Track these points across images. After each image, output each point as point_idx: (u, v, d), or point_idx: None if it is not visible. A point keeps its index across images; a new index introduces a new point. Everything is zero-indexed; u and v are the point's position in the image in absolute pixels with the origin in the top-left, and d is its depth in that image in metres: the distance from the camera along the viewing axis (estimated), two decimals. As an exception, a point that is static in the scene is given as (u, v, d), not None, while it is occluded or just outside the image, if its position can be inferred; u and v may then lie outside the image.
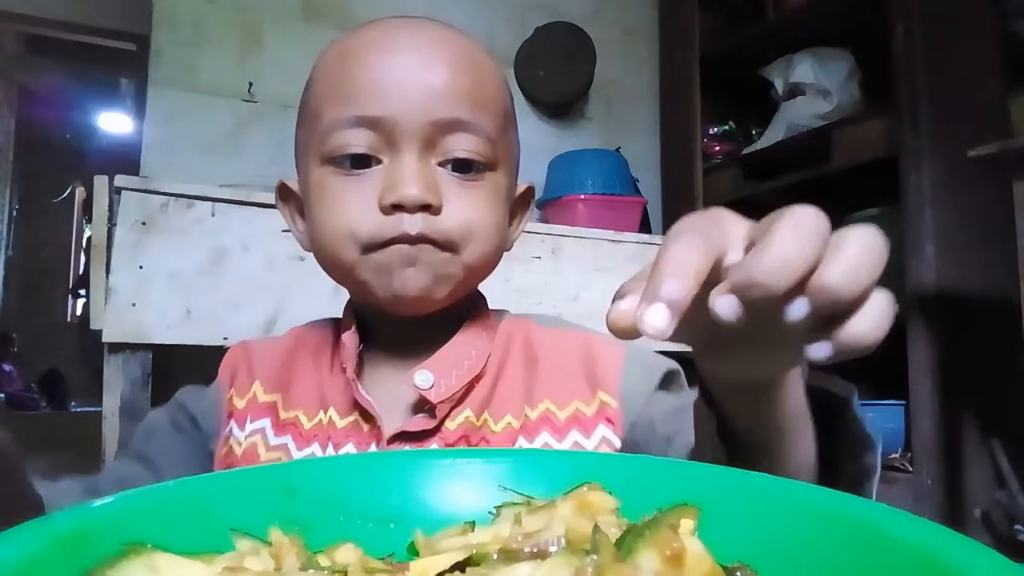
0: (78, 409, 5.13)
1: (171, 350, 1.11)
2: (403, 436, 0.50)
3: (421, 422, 0.50)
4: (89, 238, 1.15)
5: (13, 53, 5.43)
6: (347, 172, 0.49)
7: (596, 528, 0.20)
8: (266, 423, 0.55)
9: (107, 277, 1.08)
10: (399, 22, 0.52)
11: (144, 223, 1.10)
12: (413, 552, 0.24)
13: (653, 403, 0.51)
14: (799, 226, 0.25)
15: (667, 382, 0.53)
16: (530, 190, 0.61)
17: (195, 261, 1.13)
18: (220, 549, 0.22)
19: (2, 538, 0.18)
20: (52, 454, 3.24)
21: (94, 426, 1.10)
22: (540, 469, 0.29)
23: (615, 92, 2.37)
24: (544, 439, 0.51)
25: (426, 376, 0.51)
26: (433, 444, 0.50)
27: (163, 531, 0.21)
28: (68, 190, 6.31)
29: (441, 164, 0.50)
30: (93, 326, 1.08)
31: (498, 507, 0.26)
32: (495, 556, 0.21)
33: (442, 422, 0.51)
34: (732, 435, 0.37)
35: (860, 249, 0.25)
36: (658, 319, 0.24)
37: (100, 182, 1.13)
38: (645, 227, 2.00)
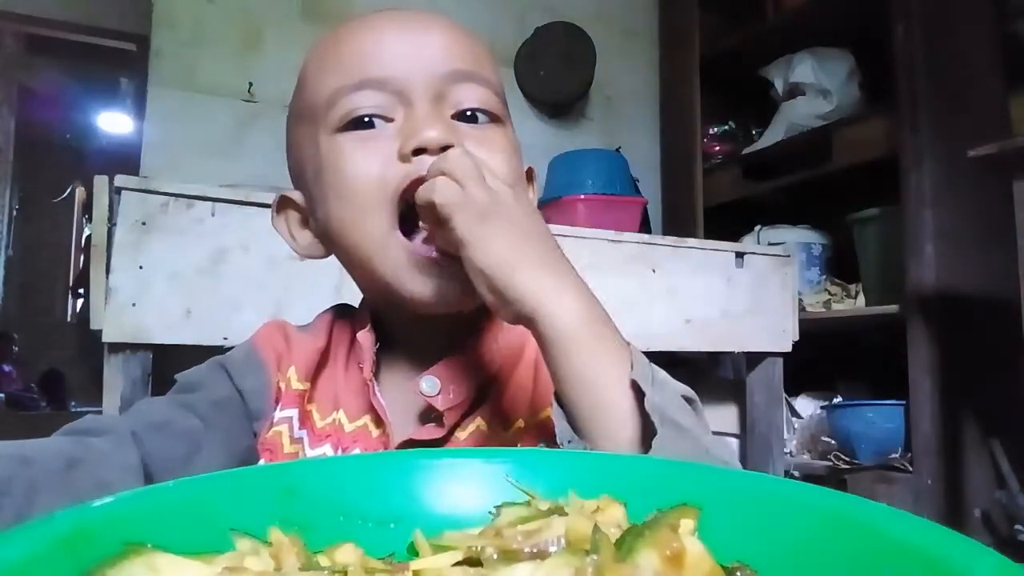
0: (78, 409, 5.13)
1: (171, 350, 1.11)
2: (411, 444, 0.49)
3: (430, 431, 0.49)
4: (89, 238, 1.15)
5: (13, 53, 5.43)
6: (362, 132, 0.48)
7: (596, 528, 0.20)
8: (294, 413, 0.53)
9: (107, 277, 1.08)
10: (387, 9, 0.52)
11: (144, 223, 1.10)
12: (413, 552, 0.24)
13: None
14: None
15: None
16: (530, 171, 0.61)
17: (195, 261, 1.13)
18: (220, 549, 0.22)
19: (2, 538, 0.18)
20: (52, 454, 3.24)
21: (94, 426, 1.10)
22: (540, 469, 0.29)
23: (615, 92, 2.37)
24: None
25: (432, 382, 0.49)
26: None
27: (163, 531, 0.21)
28: (68, 190, 6.31)
29: (453, 117, 0.49)
30: (93, 326, 1.08)
31: (498, 507, 0.26)
32: (495, 556, 0.21)
33: (452, 431, 0.50)
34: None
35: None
36: None
37: (100, 182, 1.12)
38: (645, 227, 2.00)
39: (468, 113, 0.49)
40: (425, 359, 0.51)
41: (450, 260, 0.45)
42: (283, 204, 0.56)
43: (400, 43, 0.49)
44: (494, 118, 0.50)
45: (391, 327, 0.54)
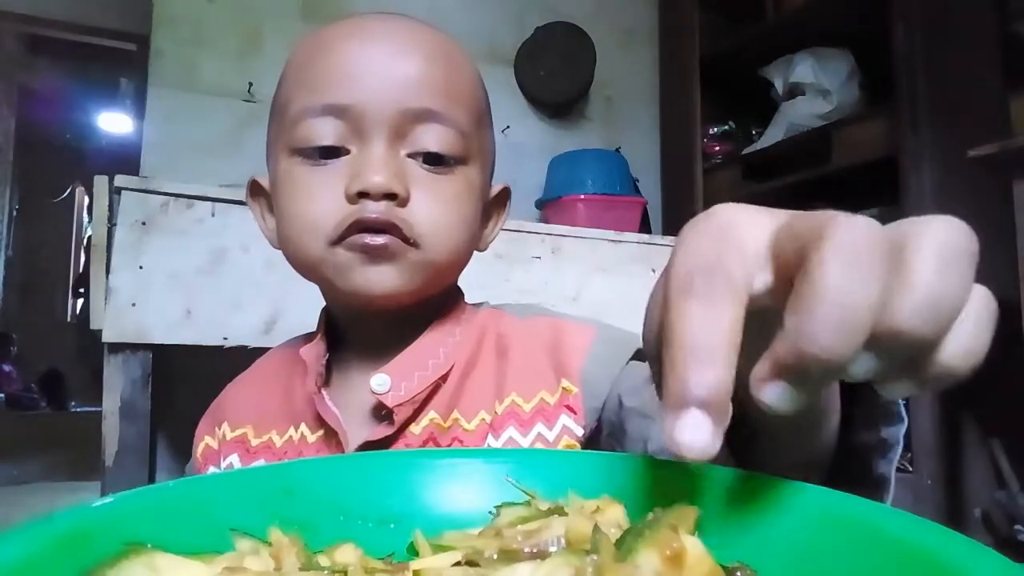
0: (78, 409, 5.14)
1: (171, 350, 1.11)
2: (367, 446, 0.49)
3: (381, 430, 0.49)
4: (89, 238, 1.15)
5: (13, 53, 5.43)
6: (314, 162, 0.48)
7: (596, 528, 0.20)
8: (233, 458, 0.55)
9: (107, 277, 1.08)
10: (372, 15, 0.51)
11: (144, 223, 1.10)
12: (413, 552, 0.24)
13: (621, 379, 0.48)
14: (851, 260, 0.18)
15: (640, 356, 0.50)
16: (505, 191, 0.59)
17: (195, 261, 1.13)
18: (220, 549, 0.22)
19: (2, 538, 0.18)
20: (52, 454, 3.25)
21: (94, 426, 1.10)
22: (540, 469, 0.29)
23: (615, 92, 2.37)
24: (510, 434, 0.49)
25: (382, 380, 0.49)
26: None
27: (163, 531, 0.21)
28: (68, 190, 6.31)
29: (411, 156, 0.48)
30: (93, 326, 1.08)
31: (498, 507, 0.26)
32: (495, 556, 0.21)
33: (405, 427, 0.50)
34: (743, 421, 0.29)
35: (938, 264, 0.19)
36: (698, 434, 0.19)
37: (100, 182, 1.13)
38: (645, 227, 2.00)
39: (428, 153, 0.48)
40: (384, 355, 0.51)
41: (384, 249, 0.46)
42: (255, 189, 0.56)
43: (371, 69, 0.47)
44: (457, 160, 0.49)
45: (345, 331, 0.55)
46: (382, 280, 0.47)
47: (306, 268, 0.50)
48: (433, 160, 0.48)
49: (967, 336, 0.20)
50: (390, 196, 0.46)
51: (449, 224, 0.49)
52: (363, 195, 0.46)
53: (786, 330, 0.19)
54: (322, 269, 0.49)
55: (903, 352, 0.19)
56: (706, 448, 0.19)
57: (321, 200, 0.47)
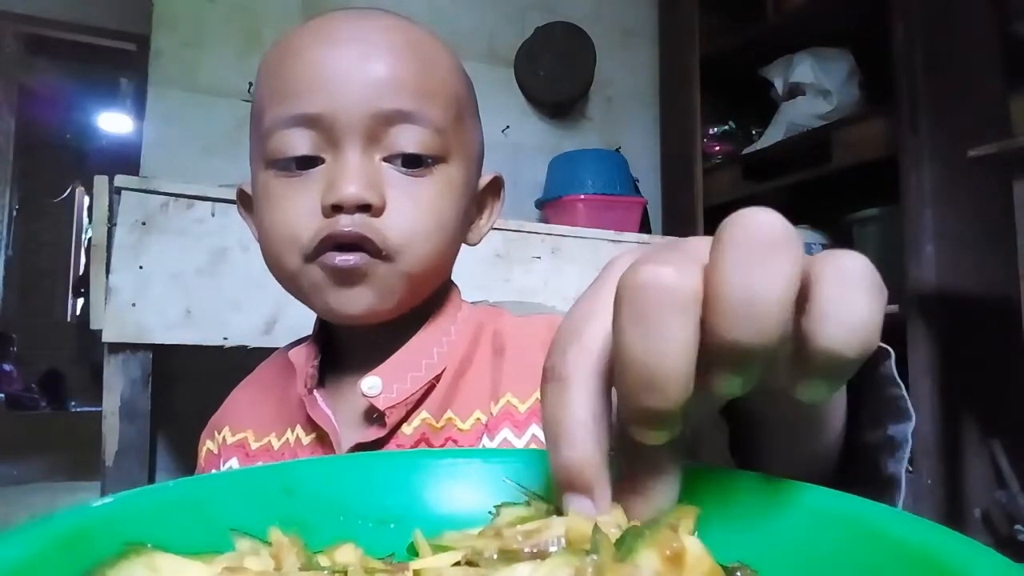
0: (78, 409, 5.15)
1: (171, 350, 1.11)
2: (358, 448, 0.49)
3: (373, 432, 0.49)
4: (89, 238, 1.15)
5: (13, 53, 5.43)
6: (290, 174, 0.47)
7: (596, 528, 0.20)
8: (233, 462, 0.55)
9: (107, 277, 1.08)
10: (341, 13, 0.49)
11: (144, 223, 1.10)
12: (413, 552, 0.24)
13: None
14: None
15: None
16: (497, 180, 0.57)
17: (195, 261, 1.13)
18: (220, 549, 0.22)
19: (2, 538, 0.18)
20: (52, 454, 3.25)
21: (94, 426, 1.10)
22: (540, 469, 0.29)
23: (615, 92, 2.37)
24: (504, 435, 0.49)
25: (373, 382, 0.49)
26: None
27: (163, 531, 0.21)
28: (68, 190, 6.31)
29: (388, 160, 0.47)
30: (93, 326, 1.09)
31: (498, 507, 0.26)
32: (495, 556, 0.21)
33: (397, 428, 0.49)
34: (741, 412, 0.28)
35: (739, 259, 0.18)
36: (583, 505, 0.20)
37: (100, 182, 1.13)
38: (645, 227, 2.00)
39: (405, 155, 0.47)
40: (377, 357, 0.51)
41: (359, 269, 0.46)
42: (244, 199, 0.56)
43: (338, 75, 0.46)
44: (436, 159, 0.48)
45: (338, 334, 0.55)
46: (355, 302, 0.47)
47: (284, 282, 0.51)
48: (410, 162, 0.47)
49: (833, 311, 0.18)
50: (364, 207, 0.45)
51: (426, 231, 0.48)
52: (336, 208, 0.45)
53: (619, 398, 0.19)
54: (298, 285, 0.49)
55: (747, 366, 0.18)
56: (596, 513, 0.20)
57: (296, 214, 0.47)
